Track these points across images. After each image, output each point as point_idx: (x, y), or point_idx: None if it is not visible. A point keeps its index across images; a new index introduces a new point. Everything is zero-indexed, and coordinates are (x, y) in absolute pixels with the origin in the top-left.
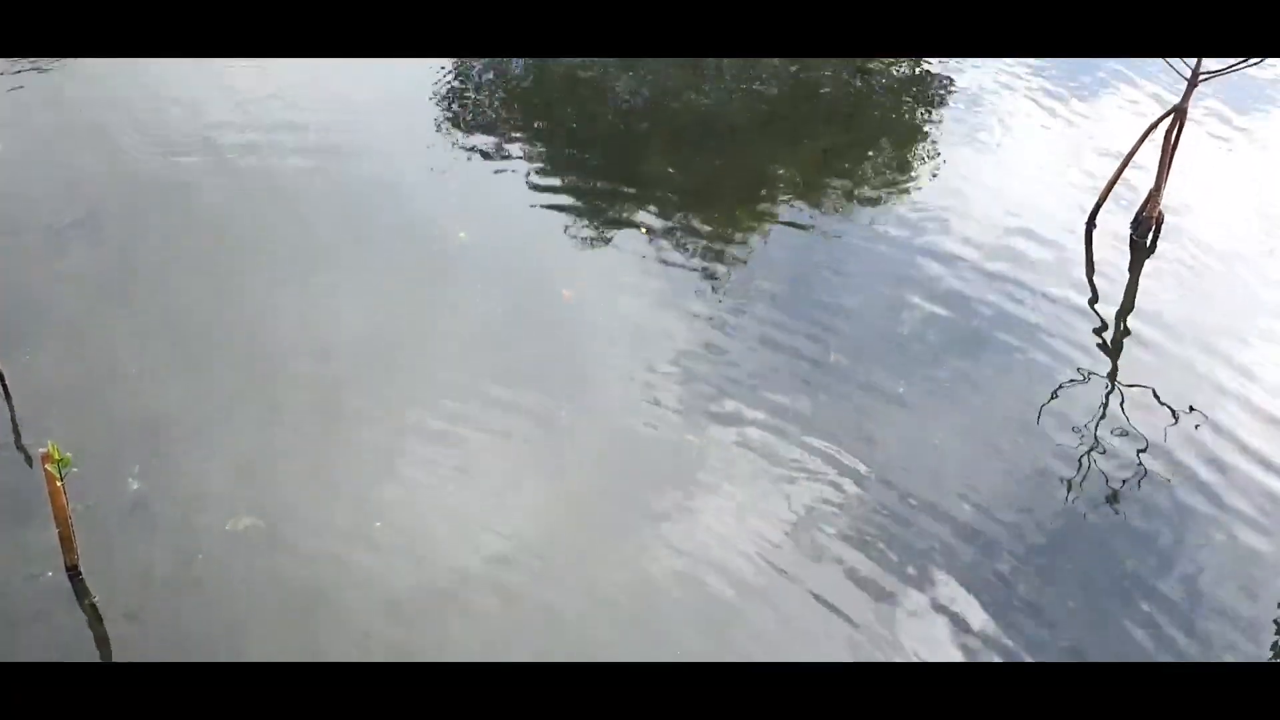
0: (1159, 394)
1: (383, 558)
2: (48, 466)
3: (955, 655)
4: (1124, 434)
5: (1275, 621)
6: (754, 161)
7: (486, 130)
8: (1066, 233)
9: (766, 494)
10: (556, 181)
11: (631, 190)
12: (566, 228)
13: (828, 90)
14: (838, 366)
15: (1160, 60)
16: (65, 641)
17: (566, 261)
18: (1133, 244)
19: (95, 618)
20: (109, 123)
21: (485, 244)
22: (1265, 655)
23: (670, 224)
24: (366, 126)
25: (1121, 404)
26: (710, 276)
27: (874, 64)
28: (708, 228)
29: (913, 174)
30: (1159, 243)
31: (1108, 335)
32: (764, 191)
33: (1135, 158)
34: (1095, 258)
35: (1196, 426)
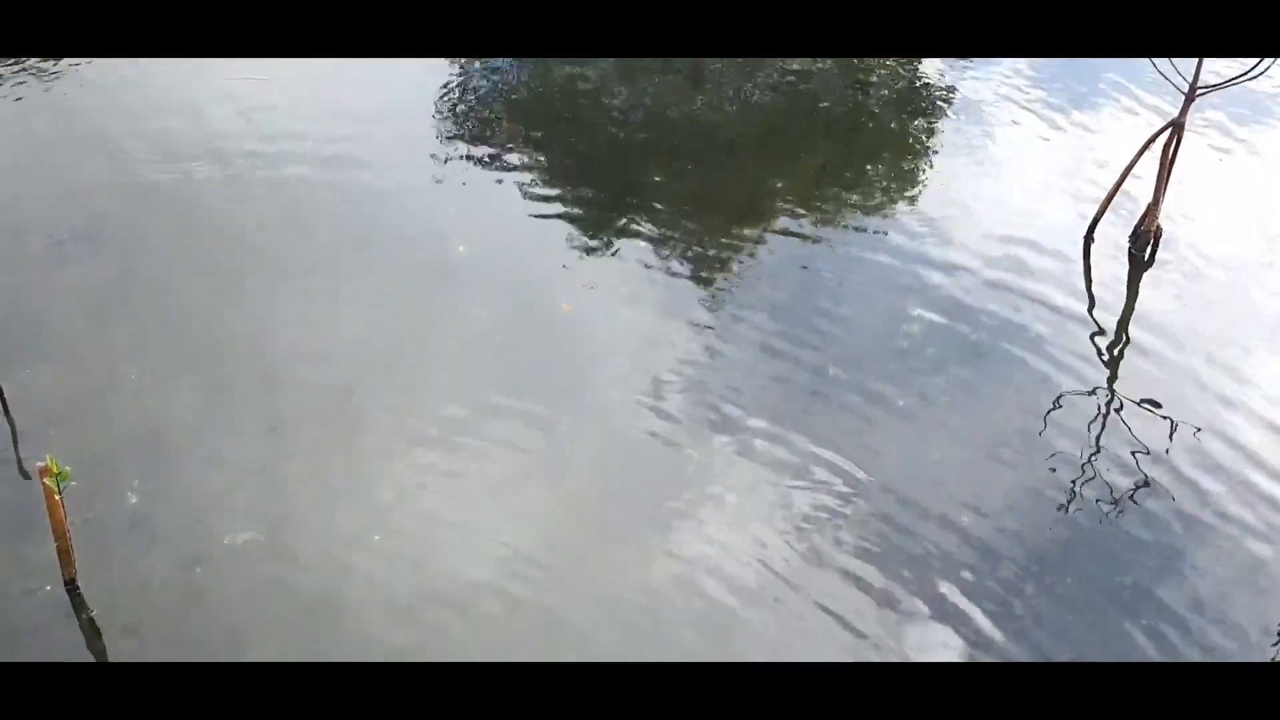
0: (1160, 403)
1: (384, 566)
2: (46, 480)
3: (956, 660)
4: (1125, 443)
5: (1279, 631)
6: (754, 173)
7: (487, 141)
8: (1068, 243)
9: (768, 502)
10: (556, 192)
11: (632, 200)
12: (568, 237)
13: (826, 104)
14: (838, 376)
15: (1159, 72)
16: (63, 655)
17: (566, 272)
18: (1131, 257)
19: (94, 632)
20: (109, 131)
21: (484, 255)
22: (1267, 658)
23: (671, 234)
24: (367, 136)
25: (1122, 413)
26: (710, 286)
27: (873, 76)
28: (708, 238)
29: (913, 185)
30: (1158, 254)
31: (1108, 345)
32: (764, 202)
33: (1134, 169)
34: (1094, 270)
35: (1197, 434)
